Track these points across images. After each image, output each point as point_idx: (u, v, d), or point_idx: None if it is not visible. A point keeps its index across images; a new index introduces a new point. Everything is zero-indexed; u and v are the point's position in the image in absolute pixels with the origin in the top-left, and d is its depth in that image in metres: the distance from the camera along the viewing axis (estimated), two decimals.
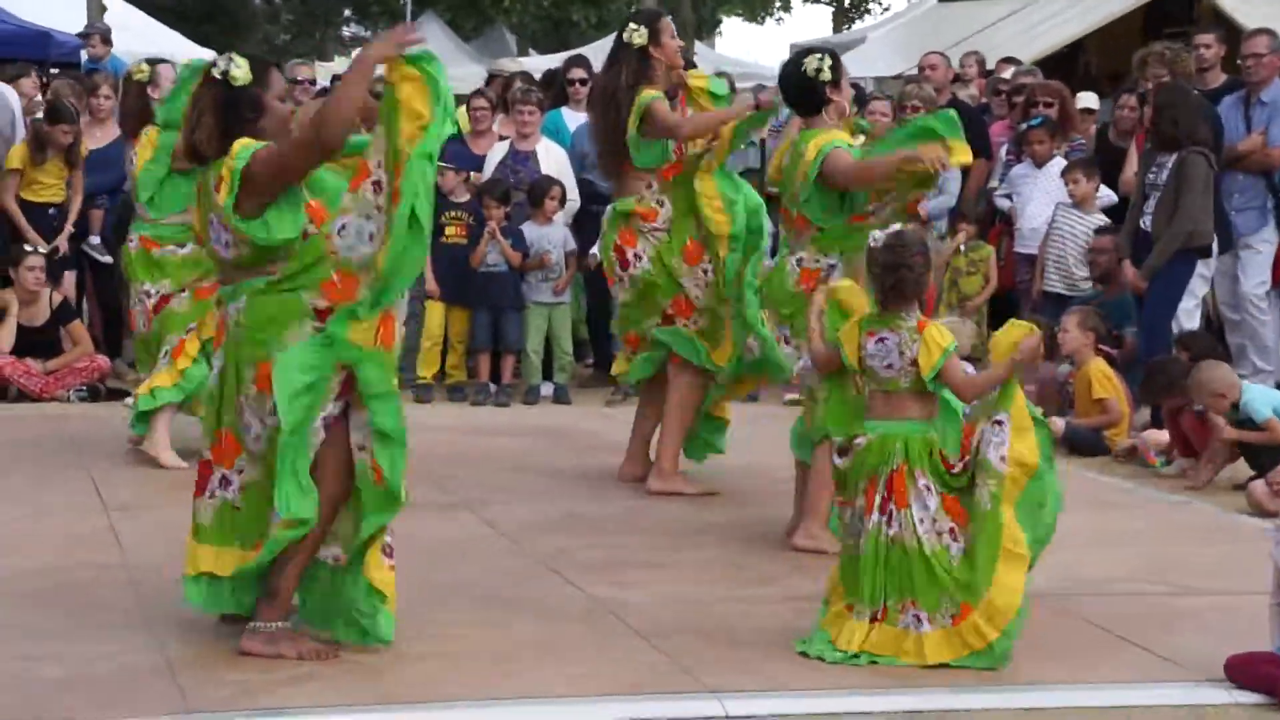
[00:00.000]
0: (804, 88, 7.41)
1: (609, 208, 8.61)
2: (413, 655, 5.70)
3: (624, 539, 7.45)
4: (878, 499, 5.75)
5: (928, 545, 5.69)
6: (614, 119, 8.34)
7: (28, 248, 11.22)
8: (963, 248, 11.86)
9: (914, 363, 5.80)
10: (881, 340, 5.88)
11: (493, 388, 11.46)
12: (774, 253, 10.93)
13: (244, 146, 5.54)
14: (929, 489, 5.72)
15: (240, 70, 5.62)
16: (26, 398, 10.75)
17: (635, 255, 8.35)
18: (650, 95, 8.20)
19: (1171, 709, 5.45)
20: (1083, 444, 9.81)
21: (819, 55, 7.45)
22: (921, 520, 5.70)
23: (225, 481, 5.72)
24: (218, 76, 5.63)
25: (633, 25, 8.39)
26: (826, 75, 7.36)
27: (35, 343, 11.02)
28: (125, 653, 5.63)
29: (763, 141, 12.81)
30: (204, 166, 5.68)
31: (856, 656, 5.70)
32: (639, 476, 8.54)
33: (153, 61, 9.13)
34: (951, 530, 5.71)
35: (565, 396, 11.33)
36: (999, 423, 5.67)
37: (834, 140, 7.24)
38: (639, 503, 8.18)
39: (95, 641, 5.74)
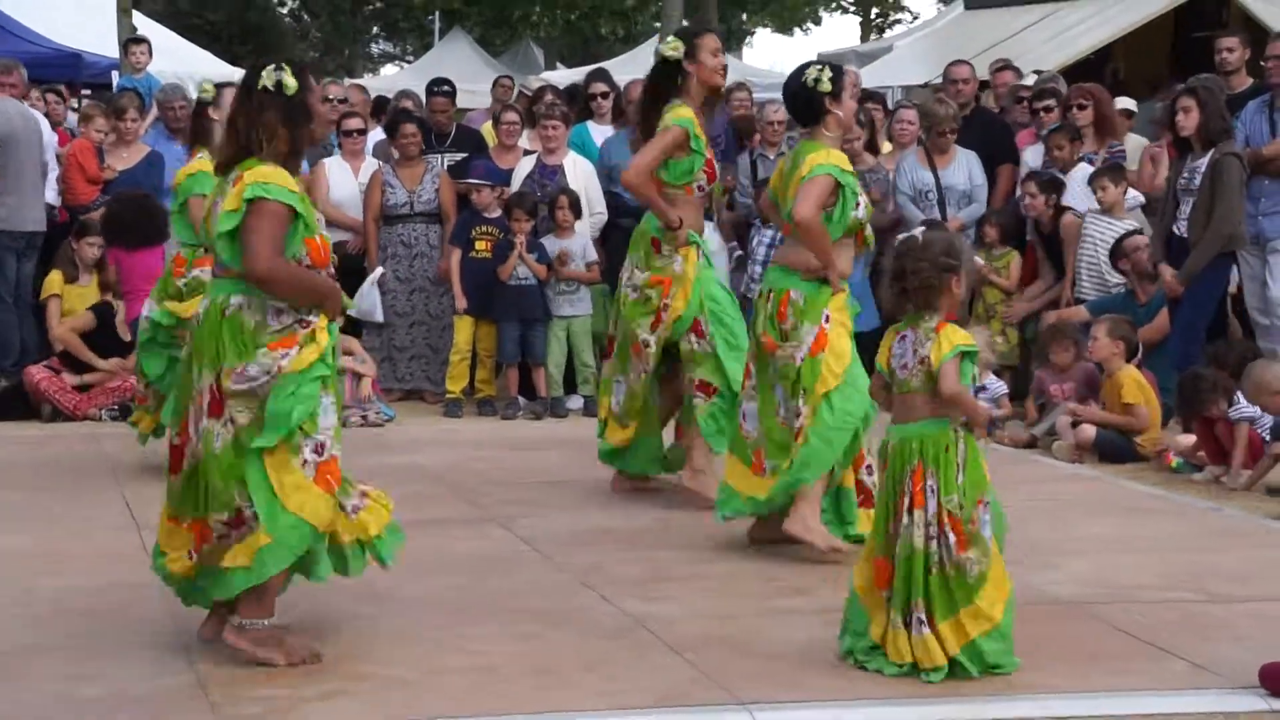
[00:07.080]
0: (804, 98, 7.46)
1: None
2: (446, 670, 5.72)
3: (656, 552, 7.47)
4: (906, 502, 5.72)
5: (931, 544, 5.67)
6: (643, 131, 8.36)
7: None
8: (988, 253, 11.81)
9: (923, 361, 5.75)
10: (902, 338, 5.84)
11: (522, 401, 11.48)
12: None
13: (260, 182, 5.58)
14: (933, 490, 5.69)
15: (291, 79, 5.67)
16: (61, 415, 10.98)
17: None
18: (679, 118, 8.13)
19: (1204, 716, 5.41)
20: (1113, 451, 9.78)
21: (819, 66, 7.52)
22: (930, 523, 5.69)
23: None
24: (271, 88, 5.67)
25: (671, 39, 8.36)
26: (825, 86, 7.38)
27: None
28: (160, 673, 5.66)
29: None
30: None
31: (913, 667, 5.67)
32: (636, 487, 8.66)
33: (220, 85, 9.23)
34: (941, 536, 5.69)
35: (594, 409, 11.32)
36: (986, 504, 5.71)
37: (828, 166, 7.23)
38: (671, 515, 8.19)
39: (132, 661, 5.78)
